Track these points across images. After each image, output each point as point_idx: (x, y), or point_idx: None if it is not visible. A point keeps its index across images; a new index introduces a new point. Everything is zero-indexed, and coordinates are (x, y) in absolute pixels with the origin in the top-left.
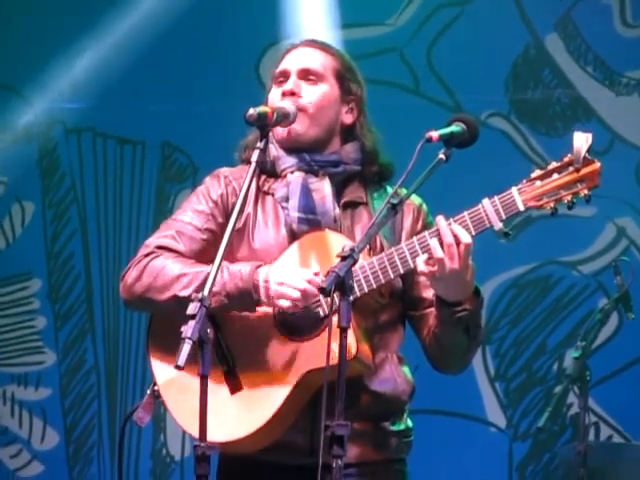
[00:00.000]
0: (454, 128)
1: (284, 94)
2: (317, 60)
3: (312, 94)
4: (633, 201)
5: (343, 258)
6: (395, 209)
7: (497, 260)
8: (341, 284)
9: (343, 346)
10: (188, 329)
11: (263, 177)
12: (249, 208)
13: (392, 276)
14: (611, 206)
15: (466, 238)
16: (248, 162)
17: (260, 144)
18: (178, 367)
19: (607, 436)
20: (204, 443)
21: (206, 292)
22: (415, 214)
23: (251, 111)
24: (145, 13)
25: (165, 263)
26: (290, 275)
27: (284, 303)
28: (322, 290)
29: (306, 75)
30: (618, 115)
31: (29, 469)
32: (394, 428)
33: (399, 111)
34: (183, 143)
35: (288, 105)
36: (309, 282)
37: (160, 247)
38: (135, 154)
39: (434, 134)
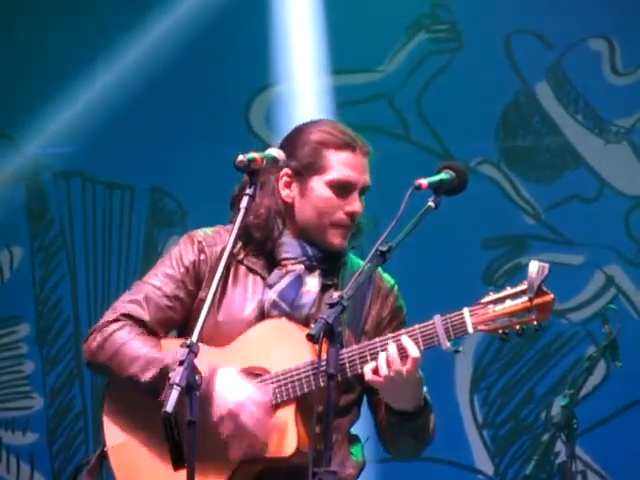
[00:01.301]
0: (443, 176)
1: (347, 214)
2: (369, 174)
3: (362, 208)
4: (621, 249)
5: (331, 305)
6: (384, 257)
7: None
8: (330, 331)
9: (331, 394)
10: (176, 375)
11: (239, 244)
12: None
13: (339, 379)
14: (600, 254)
15: (414, 352)
16: (235, 209)
17: (249, 190)
18: (166, 413)
19: None
20: None
21: (194, 338)
22: (384, 296)
23: (240, 157)
24: (135, 59)
25: (126, 340)
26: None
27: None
28: (310, 337)
29: (363, 193)
30: (607, 163)
31: None
32: None
33: (388, 157)
34: (172, 188)
35: (278, 153)
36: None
37: (125, 315)
38: (124, 199)
39: (423, 182)
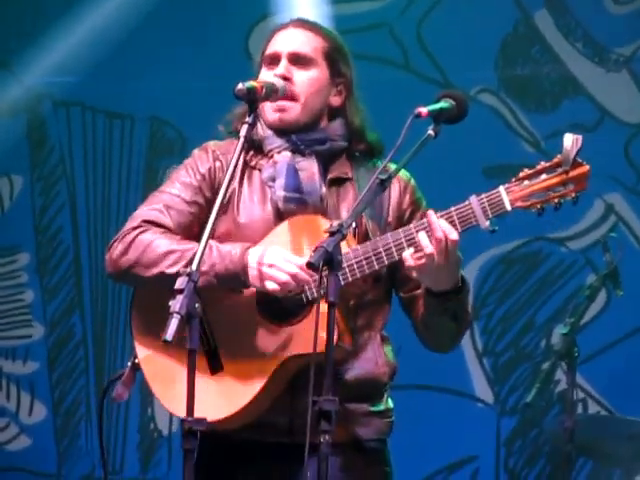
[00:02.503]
0: (443, 104)
1: (276, 77)
2: (308, 43)
3: (304, 80)
4: (622, 178)
5: (331, 234)
6: (383, 185)
7: (485, 236)
8: (329, 259)
9: (331, 321)
10: (176, 303)
11: (251, 152)
12: (235, 183)
13: (376, 267)
14: (599, 183)
15: (453, 235)
16: (235, 135)
17: (249, 119)
18: (166, 341)
19: (594, 412)
20: (192, 418)
21: (194, 267)
22: (402, 189)
23: (240, 86)
24: None
25: (152, 238)
26: (281, 259)
27: (272, 286)
28: (310, 265)
29: (297, 59)
30: (607, 91)
31: (17, 442)
32: (374, 409)
33: (388, 87)
34: (172, 117)
35: (277, 80)
36: (300, 268)
37: (147, 221)
38: (124, 128)
39: (423, 110)
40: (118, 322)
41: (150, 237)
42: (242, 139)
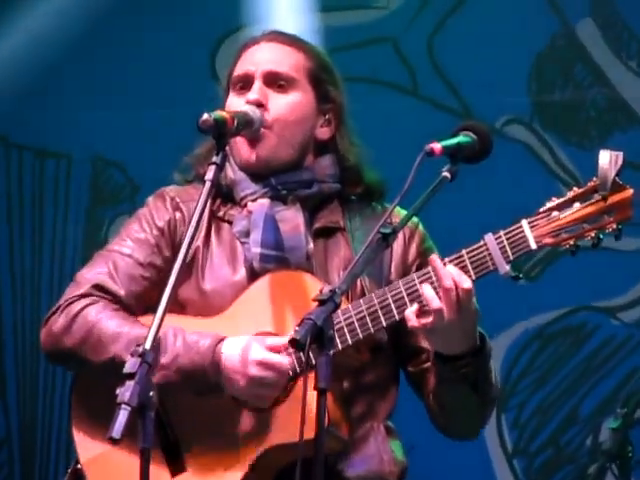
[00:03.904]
0: (461, 138)
1: (249, 104)
2: (287, 60)
3: (282, 106)
4: None
5: (321, 302)
6: (386, 241)
7: (516, 305)
8: (319, 335)
9: (321, 412)
10: (125, 392)
11: (218, 201)
12: (199, 239)
13: (372, 330)
14: None
15: (466, 283)
16: (199, 180)
17: (216, 158)
18: (113, 440)
19: None
20: None
21: (148, 345)
22: (407, 237)
23: (205, 116)
24: None
25: (101, 315)
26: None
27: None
28: (295, 342)
29: (274, 80)
30: None
31: None
32: None
33: (393, 117)
34: (119, 156)
35: (251, 109)
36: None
37: (95, 287)
38: (59, 170)
39: (437, 146)
40: (52, 415)
41: (98, 312)
42: (208, 183)
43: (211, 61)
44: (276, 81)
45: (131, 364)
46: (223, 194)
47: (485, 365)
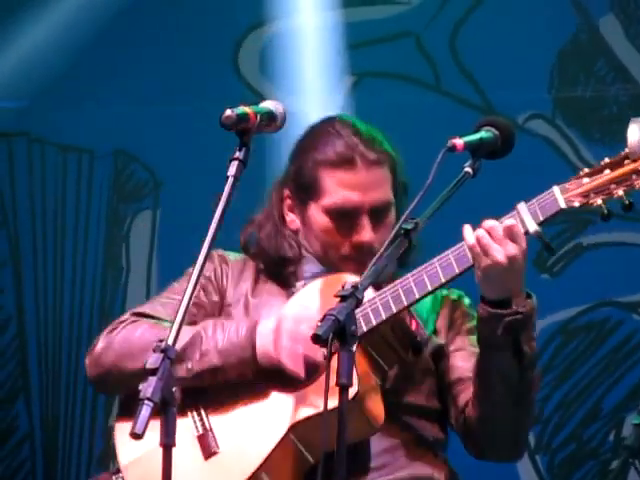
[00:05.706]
0: (483, 134)
1: (354, 246)
2: (387, 186)
3: (383, 236)
4: None
5: (343, 298)
6: (409, 236)
7: (539, 300)
8: (341, 331)
9: (343, 408)
10: (148, 387)
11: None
12: (245, 286)
13: (405, 304)
14: None
15: (508, 221)
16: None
17: (239, 154)
18: (135, 435)
19: None
20: None
21: (170, 341)
22: (451, 308)
23: (228, 112)
24: None
25: (142, 327)
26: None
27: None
28: (316, 337)
29: (379, 213)
30: None
31: None
32: None
33: (415, 112)
34: (141, 152)
35: (274, 105)
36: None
37: (135, 314)
38: (81, 165)
39: (458, 142)
40: (74, 411)
41: (138, 325)
42: (231, 179)
43: (234, 57)
44: (381, 213)
45: (153, 360)
46: (271, 261)
47: (529, 321)
